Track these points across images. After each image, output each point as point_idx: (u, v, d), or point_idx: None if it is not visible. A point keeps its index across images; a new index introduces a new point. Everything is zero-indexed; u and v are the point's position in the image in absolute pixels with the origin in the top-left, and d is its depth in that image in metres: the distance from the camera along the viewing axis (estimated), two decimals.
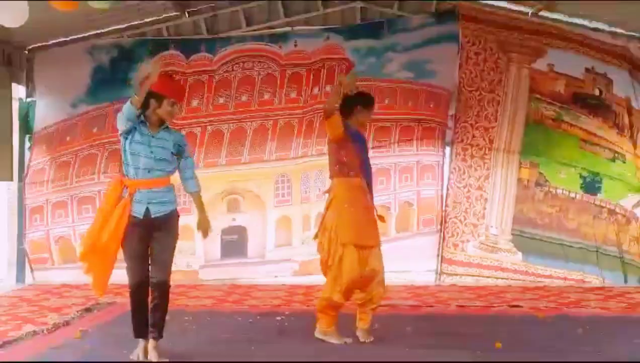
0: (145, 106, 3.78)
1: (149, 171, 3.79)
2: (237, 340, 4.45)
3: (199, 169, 7.20)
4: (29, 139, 7.47)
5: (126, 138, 3.79)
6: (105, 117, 7.47)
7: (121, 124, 3.78)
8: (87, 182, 7.41)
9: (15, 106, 7.41)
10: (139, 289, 3.85)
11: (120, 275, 7.28)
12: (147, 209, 3.76)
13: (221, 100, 7.44)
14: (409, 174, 7.35)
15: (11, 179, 7.36)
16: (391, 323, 4.90)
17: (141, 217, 3.75)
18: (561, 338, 4.43)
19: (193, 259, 7.20)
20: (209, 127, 7.35)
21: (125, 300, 5.93)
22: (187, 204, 7.26)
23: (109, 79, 7.46)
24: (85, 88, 7.46)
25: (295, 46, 7.42)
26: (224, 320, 5.06)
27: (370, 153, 7.13)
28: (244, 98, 7.43)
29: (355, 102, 4.45)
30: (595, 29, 7.27)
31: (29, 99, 7.52)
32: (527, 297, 6.11)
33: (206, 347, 4.28)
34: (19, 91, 7.51)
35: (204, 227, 4.08)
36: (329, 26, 7.48)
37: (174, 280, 6.80)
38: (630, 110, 7.18)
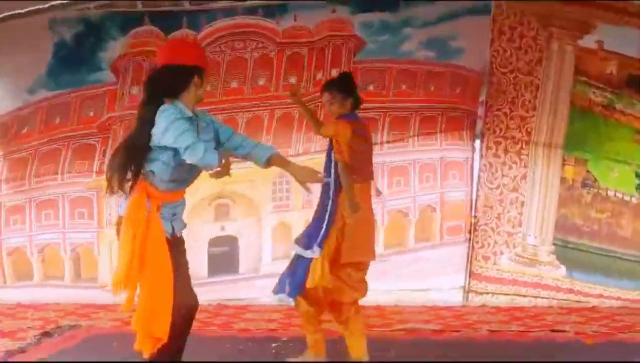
0: (181, 86, 3.54)
1: (177, 182, 3.61)
2: None
3: None
4: None
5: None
6: (69, 105, 7.46)
7: (199, 157, 3.38)
8: (49, 183, 7.41)
9: None
10: (191, 313, 3.78)
11: (85, 295, 7.35)
12: (172, 226, 3.63)
13: (207, 86, 7.40)
14: (431, 174, 7.37)
15: None
16: (410, 350, 4.89)
17: (169, 236, 3.59)
18: None
19: None
20: None
21: (90, 323, 5.99)
22: None
23: (74, 59, 7.44)
24: (45, 70, 7.41)
25: (295, 20, 7.40)
26: (209, 347, 5.03)
27: (385, 148, 7.33)
28: (234, 84, 7.43)
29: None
30: None
31: None
32: (573, 320, 6.10)
33: None
34: None
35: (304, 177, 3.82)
36: None
37: None
38: None
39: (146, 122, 3.39)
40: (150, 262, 3.38)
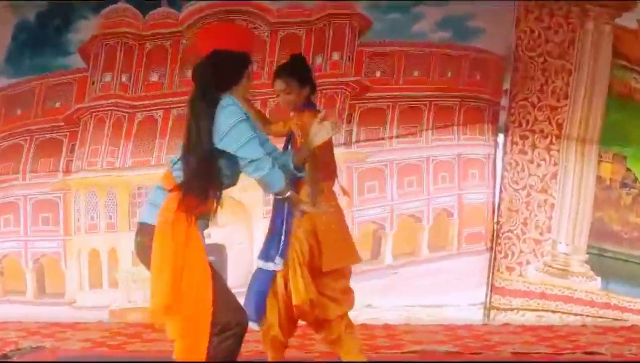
0: (237, 77, 3.49)
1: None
2: None
3: (162, 166, 7.15)
4: None
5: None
6: (33, 94, 7.46)
7: (274, 181, 3.42)
8: (9, 183, 7.41)
9: None
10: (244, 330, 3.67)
11: (50, 313, 7.32)
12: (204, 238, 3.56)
13: (189, 73, 7.36)
14: (447, 173, 7.39)
15: None
16: None
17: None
18: None
19: None
20: (174, 111, 7.35)
21: (56, 344, 5.96)
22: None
23: (38, 42, 7.43)
24: (3, 55, 7.42)
25: None
26: None
27: (395, 144, 7.29)
28: None
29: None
30: None
31: None
32: (609, 340, 6.08)
33: None
34: None
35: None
36: None
37: (130, 318, 6.93)
38: None
39: (205, 119, 3.27)
40: (189, 282, 3.24)
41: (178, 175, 3.29)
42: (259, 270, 4.61)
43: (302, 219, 4.28)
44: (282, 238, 4.47)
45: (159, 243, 3.18)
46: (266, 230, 7.12)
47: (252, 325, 4.37)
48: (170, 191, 3.26)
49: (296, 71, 4.64)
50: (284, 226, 4.48)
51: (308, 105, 4.59)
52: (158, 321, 3.33)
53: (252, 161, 3.22)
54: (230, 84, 3.39)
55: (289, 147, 4.57)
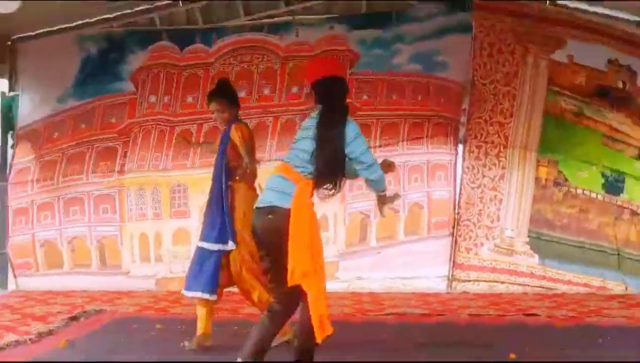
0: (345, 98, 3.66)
1: None
2: (231, 347, 4.42)
3: (196, 169, 7.33)
4: (12, 137, 7.49)
5: None
6: (94, 112, 7.49)
7: (378, 175, 3.47)
8: (75, 182, 7.42)
9: None
10: None
11: (110, 282, 7.34)
12: None
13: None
14: (418, 175, 7.32)
15: None
16: (400, 332, 4.89)
17: None
18: (581, 350, 4.39)
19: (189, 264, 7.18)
20: (205, 125, 7.33)
21: (114, 308, 5.98)
22: (182, 206, 7.32)
23: (98, 71, 7.48)
24: (72, 81, 7.47)
25: (297, 36, 7.41)
26: (219, 329, 5.00)
27: (378, 152, 7.27)
28: (242, 93, 7.37)
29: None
30: (618, 19, 7.18)
31: (12, 93, 7.52)
32: (545, 305, 6.07)
33: (199, 356, 4.27)
34: (1, 84, 7.52)
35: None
36: (332, 15, 7.46)
37: (171, 287, 6.95)
38: None
39: (338, 128, 3.38)
40: (318, 252, 3.32)
41: (303, 170, 3.36)
42: (209, 251, 4.41)
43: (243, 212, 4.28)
44: (229, 224, 4.38)
45: (299, 222, 3.23)
46: None
47: (210, 297, 4.36)
48: (297, 182, 3.32)
49: (225, 93, 4.61)
50: (227, 216, 4.39)
51: (237, 120, 4.56)
52: (297, 282, 3.22)
53: (370, 165, 3.37)
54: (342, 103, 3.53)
55: (222, 154, 4.48)
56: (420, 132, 7.25)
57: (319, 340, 3.25)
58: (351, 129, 3.37)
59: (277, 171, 3.46)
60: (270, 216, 3.31)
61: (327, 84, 3.51)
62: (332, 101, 3.48)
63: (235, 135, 4.43)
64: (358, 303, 6.20)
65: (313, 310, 3.22)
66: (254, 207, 3.45)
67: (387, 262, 7.12)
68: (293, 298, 3.31)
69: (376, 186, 3.50)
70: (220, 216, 4.40)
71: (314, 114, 3.49)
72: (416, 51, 7.24)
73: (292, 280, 3.20)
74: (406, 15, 7.34)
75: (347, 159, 3.38)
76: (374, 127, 7.28)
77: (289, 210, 3.24)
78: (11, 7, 4.56)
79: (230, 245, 4.37)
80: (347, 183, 7.06)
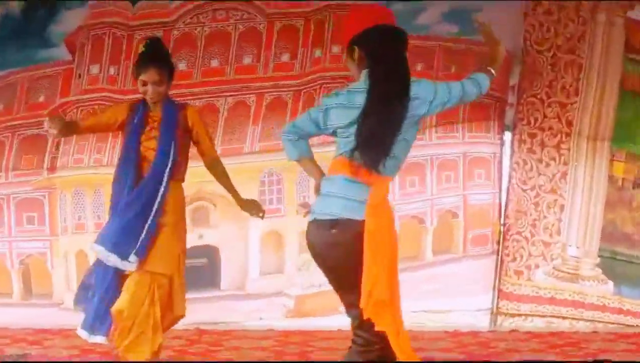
0: None
1: None
2: None
3: None
4: None
5: None
6: (16, 88, 7.49)
7: None
8: None
9: None
10: None
11: (37, 315, 7.34)
12: None
13: (182, 65, 7.44)
14: (452, 172, 7.43)
15: None
16: None
17: None
18: None
19: None
20: None
21: (42, 351, 5.98)
22: None
23: (20, 33, 7.46)
24: None
25: None
26: None
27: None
28: (214, 63, 7.46)
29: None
30: None
31: None
32: (622, 348, 6.11)
33: None
34: None
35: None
36: None
37: None
38: None
39: (402, 99, 3.29)
40: (395, 273, 3.32)
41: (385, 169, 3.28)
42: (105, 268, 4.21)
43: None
44: (144, 236, 4.19)
45: (378, 236, 3.20)
46: (261, 232, 7.33)
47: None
48: (370, 183, 3.25)
49: (166, 59, 4.45)
50: (150, 222, 4.23)
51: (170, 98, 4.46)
52: (371, 316, 3.18)
53: (463, 88, 3.34)
54: None
55: (173, 143, 4.33)
56: (454, 116, 7.28)
57: None
58: (424, 87, 3.32)
59: (337, 171, 3.41)
60: (333, 231, 3.28)
61: (383, 36, 3.44)
62: (391, 56, 3.41)
63: (196, 118, 4.42)
64: None
65: (396, 342, 3.21)
66: (313, 219, 3.39)
67: (410, 290, 7.00)
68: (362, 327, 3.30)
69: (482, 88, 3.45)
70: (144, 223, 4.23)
71: (358, 83, 3.42)
72: (449, 6, 7.28)
73: (367, 311, 3.19)
74: None
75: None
76: None
77: (361, 222, 3.22)
78: None
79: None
80: None
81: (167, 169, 4.24)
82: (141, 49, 4.39)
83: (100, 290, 4.16)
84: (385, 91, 3.29)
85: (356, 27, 3.47)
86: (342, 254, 3.25)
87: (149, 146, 4.20)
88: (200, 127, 4.40)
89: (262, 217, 4.55)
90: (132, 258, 4.05)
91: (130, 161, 4.28)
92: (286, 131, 3.69)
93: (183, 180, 4.40)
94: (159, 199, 4.21)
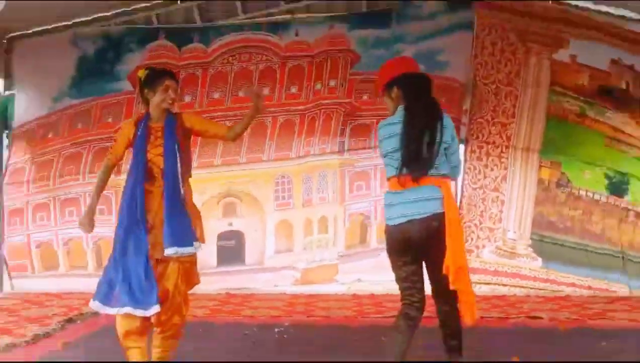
0: None
1: None
2: (231, 354, 4.42)
3: (193, 169, 7.25)
4: (7, 136, 7.51)
5: None
6: (91, 112, 7.51)
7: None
8: (71, 183, 7.42)
9: None
10: None
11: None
12: None
13: (216, 95, 7.46)
14: None
15: None
16: None
17: None
18: (584, 353, 4.37)
19: None
20: None
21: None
22: None
23: (95, 71, 7.50)
24: (68, 81, 7.50)
25: (297, 35, 7.45)
26: (218, 332, 5.03)
27: (379, 152, 7.23)
28: (240, 93, 7.44)
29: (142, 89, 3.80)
30: (622, 17, 7.22)
31: (7, 93, 7.56)
32: (548, 307, 6.06)
33: (199, 357, 4.22)
34: None
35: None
36: (332, 14, 7.48)
37: None
38: None
39: (436, 124, 3.39)
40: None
41: (437, 172, 3.36)
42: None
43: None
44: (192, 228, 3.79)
45: (455, 220, 3.35)
46: (276, 221, 7.30)
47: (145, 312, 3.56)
48: (440, 185, 3.35)
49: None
50: (184, 220, 3.76)
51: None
52: (454, 276, 3.28)
53: (458, 165, 3.52)
54: None
55: (177, 145, 3.71)
56: None
57: (470, 323, 3.41)
58: (450, 124, 3.42)
59: (397, 187, 3.41)
60: (434, 223, 3.31)
61: (415, 79, 3.52)
62: (421, 91, 3.48)
63: (192, 118, 3.87)
64: (358, 306, 6.19)
65: (467, 298, 3.36)
66: (411, 219, 3.35)
67: (388, 264, 7.03)
68: (446, 294, 3.39)
69: (456, 174, 3.63)
70: (186, 219, 3.79)
71: (397, 112, 3.45)
72: (417, 50, 7.21)
73: (452, 276, 3.27)
74: (407, 14, 7.36)
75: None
76: (375, 127, 7.20)
77: (443, 213, 3.30)
78: None
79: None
80: (346, 183, 7.25)
81: (178, 167, 3.76)
82: (145, 72, 3.79)
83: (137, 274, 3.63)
84: (418, 120, 3.36)
85: (392, 73, 3.52)
86: (436, 239, 3.29)
87: (156, 153, 3.68)
88: (198, 122, 3.86)
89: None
90: (172, 250, 3.66)
91: (141, 167, 3.69)
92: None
93: (191, 175, 3.92)
94: (182, 194, 3.75)
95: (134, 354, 3.64)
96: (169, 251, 3.62)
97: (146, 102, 3.79)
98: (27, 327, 5.21)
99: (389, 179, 3.48)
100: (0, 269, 7.35)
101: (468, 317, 3.39)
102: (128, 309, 3.51)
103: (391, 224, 3.40)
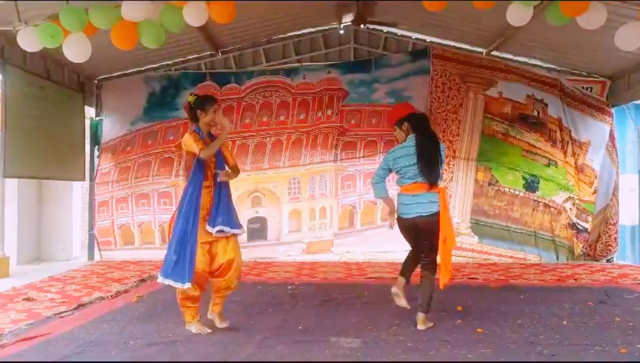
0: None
1: None
2: (258, 303, 4.42)
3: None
4: (98, 149, 7.50)
5: None
6: (157, 132, 7.47)
7: None
8: (144, 182, 7.39)
9: (87, 123, 7.44)
10: None
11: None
12: None
13: (247, 120, 7.45)
14: (390, 177, 7.25)
15: (84, 180, 7.40)
16: (378, 290, 4.89)
17: None
18: (507, 303, 4.40)
19: None
20: (237, 141, 7.35)
21: None
22: None
23: (160, 102, 7.49)
24: (141, 109, 7.48)
25: (304, 78, 7.42)
26: (248, 288, 5.03)
27: (362, 161, 7.27)
28: (264, 119, 7.43)
29: (196, 109, 3.61)
30: (534, 65, 7.25)
31: (97, 118, 7.55)
32: (482, 271, 6.07)
33: (235, 307, 4.23)
34: (90, 111, 7.54)
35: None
36: (330, 62, 7.47)
37: None
38: (561, 127, 7.15)
39: (436, 145, 3.60)
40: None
41: (438, 182, 3.56)
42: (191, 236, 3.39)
43: None
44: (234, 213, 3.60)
45: (448, 220, 3.58)
46: (289, 210, 7.28)
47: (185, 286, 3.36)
48: (438, 191, 3.56)
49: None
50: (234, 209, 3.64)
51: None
52: (442, 253, 3.56)
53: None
54: None
55: (219, 151, 3.57)
56: (392, 147, 7.14)
57: (442, 287, 3.61)
58: (443, 149, 3.64)
59: (413, 191, 3.54)
60: (433, 219, 3.51)
61: (420, 117, 3.75)
62: (425, 125, 3.68)
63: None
64: (348, 270, 6.19)
65: (446, 269, 3.58)
66: (421, 215, 3.51)
67: (368, 240, 7.09)
68: (431, 266, 3.66)
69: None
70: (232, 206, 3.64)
71: (408, 140, 3.61)
72: (390, 88, 7.25)
73: (450, 244, 3.55)
74: (382, 62, 7.35)
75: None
76: (359, 143, 7.27)
77: (439, 213, 3.51)
78: (83, 58, 4.47)
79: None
80: (339, 183, 7.24)
81: (226, 169, 3.65)
82: (194, 97, 3.63)
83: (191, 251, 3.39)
84: (427, 145, 3.56)
85: (403, 113, 3.70)
86: (434, 229, 3.49)
87: (211, 159, 3.51)
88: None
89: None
90: (237, 230, 3.54)
91: (204, 167, 3.49)
92: (376, 179, 3.72)
93: None
94: (229, 190, 3.63)
95: (189, 312, 3.55)
96: (234, 231, 3.48)
97: (196, 120, 3.60)
98: (111, 285, 5.23)
99: (403, 185, 3.60)
100: (92, 244, 7.34)
101: (442, 282, 3.61)
102: (188, 285, 3.36)
103: (405, 218, 3.58)
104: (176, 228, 3.45)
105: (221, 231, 3.47)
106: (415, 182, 3.52)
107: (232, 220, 3.55)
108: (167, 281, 3.43)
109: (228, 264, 3.53)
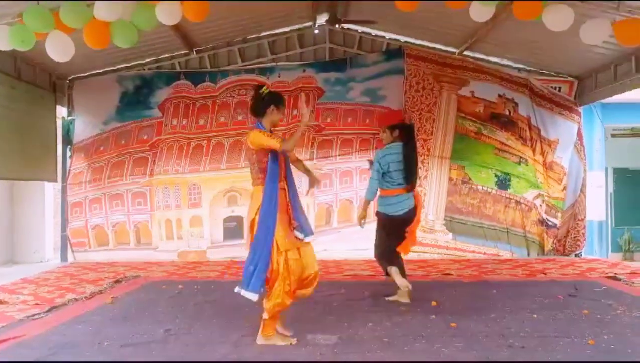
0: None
1: None
2: (234, 302, 4.39)
3: (206, 172, 7.28)
4: (70, 149, 7.35)
5: None
6: (131, 132, 7.37)
7: None
8: (117, 182, 7.29)
9: (59, 123, 7.29)
10: None
11: (143, 255, 7.21)
12: None
13: (222, 119, 7.40)
14: (365, 175, 7.23)
15: (56, 180, 7.26)
16: (354, 288, 4.91)
17: None
18: (480, 298, 4.47)
19: (202, 241, 7.16)
20: (213, 140, 7.30)
21: (147, 274, 5.89)
22: (196, 199, 7.25)
23: (134, 102, 7.39)
24: (114, 109, 7.37)
25: (279, 77, 7.41)
26: (224, 287, 4.99)
27: (337, 159, 7.32)
28: (239, 118, 7.40)
29: (269, 103, 3.26)
30: (505, 65, 7.37)
31: (70, 118, 7.40)
32: (456, 267, 6.13)
33: (211, 307, 4.22)
34: (62, 111, 7.40)
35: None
36: (305, 62, 7.47)
37: (189, 258, 6.90)
38: (530, 126, 7.28)
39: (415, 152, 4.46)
40: None
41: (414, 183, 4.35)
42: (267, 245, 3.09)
43: None
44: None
45: (418, 213, 4.39)
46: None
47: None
48: (415, 193, 4.38)
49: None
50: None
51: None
52: (410, 238, 4.37)
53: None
54: None
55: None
56: (368, 145, 7.26)
57: (404, 254, 4.37)
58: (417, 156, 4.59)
59: (396, 192, 4.22)
60: (412, 212, 4.29)
61: (409, 126, 4.40)
62: (412, 135, 4.35)
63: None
64: (325, 268, 6.12)
65: (411, 241, 4.38)
66: (407, 209, 4.27)
67: (345, 238, 7.13)
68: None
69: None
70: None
71: (394, 146, 4.24)
72: (364, 87, 7.28)
73: (409, 235, 4.32)
74: (357, 62, 7.38)
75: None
76: (335, 142, 7.30)
77: (415, 207, 4.30)
78: (66, 57, 4.43)
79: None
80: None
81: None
82: (268, 90, 3.25)
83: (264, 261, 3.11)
84: (412, 151, 4.27)
85: (395, 119, 4.54)
86: (412, 220, 4.30)
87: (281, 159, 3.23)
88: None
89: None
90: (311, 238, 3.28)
91: (277, 169, 3.18)
92: (375, 179, 4.26)
93: None
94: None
95: (273, 325, 3.25)
96: (309, 238, 3.21)
97: (261, 115, 3.19)
98: (85, 286, 5.14)
99: (387, 188, 4.23)
100: (65, 245, 7.20)
101: (405, 251, 4.34)
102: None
103: (396, 215, 4.22)
104: (261, 236, 3.09)
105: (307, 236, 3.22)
106: (400, 186, 4.19)
107: (309, 224, 3.29)
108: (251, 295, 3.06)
109: (315, 275, 3.29)
